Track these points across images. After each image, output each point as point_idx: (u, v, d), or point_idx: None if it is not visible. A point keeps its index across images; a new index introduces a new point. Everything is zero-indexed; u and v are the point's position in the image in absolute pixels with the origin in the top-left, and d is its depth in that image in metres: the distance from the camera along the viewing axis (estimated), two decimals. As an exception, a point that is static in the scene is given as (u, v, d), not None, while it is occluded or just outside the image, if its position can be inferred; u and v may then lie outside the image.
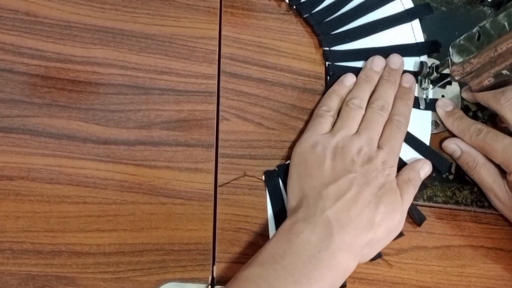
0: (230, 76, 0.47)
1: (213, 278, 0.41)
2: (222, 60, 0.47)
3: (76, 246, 0.39)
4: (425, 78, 0.49)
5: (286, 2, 0.51)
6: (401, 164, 0.46)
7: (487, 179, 0.46)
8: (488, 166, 0.46)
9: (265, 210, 0.43)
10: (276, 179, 0.44)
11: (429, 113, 0.50)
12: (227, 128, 0.45)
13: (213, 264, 0.41)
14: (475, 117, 0.50)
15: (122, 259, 0.40)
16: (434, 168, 0.47)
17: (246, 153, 0.45)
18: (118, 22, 0.47)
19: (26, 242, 0.39)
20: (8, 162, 0.41)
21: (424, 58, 0.51)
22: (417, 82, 0.49)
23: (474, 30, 0.42)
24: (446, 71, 0.47)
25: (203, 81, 0.46)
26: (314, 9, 0.51)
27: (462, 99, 0.51)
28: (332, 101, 0.46)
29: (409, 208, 0.44)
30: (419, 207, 0.46)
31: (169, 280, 0.40)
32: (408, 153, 0.47)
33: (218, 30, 0.48)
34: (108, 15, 0.47)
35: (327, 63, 0.49)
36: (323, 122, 0.45)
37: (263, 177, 0.44)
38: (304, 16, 0.50)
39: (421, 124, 0.49)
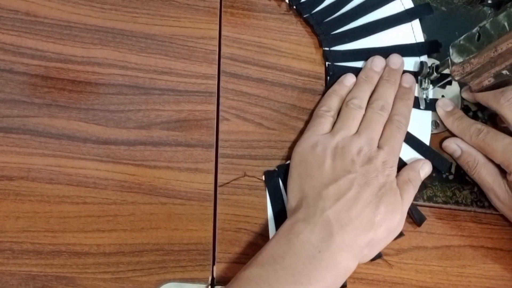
0: (230, 76, 0.47)
1: (213, 278, 0.41)
2: (222, 60, 0.47)
3: (76, 246, 0.39)
4: (425, 78, 0.49)
5: (286, 2, 0.51)
6: (401, 164, 0.46)
7: (487, 179, 0.46)
8: (488, 166, 0.46)
9: (265, 210, 0.43)
10: (276, 179, 0.44)
11: (429, 113, 0.50)
12: (227, 128, 0.45)
13: (213, 264, 0.41)
14: (475, 117, 0.50)
15: (122, 259, 0.40)
16: (434, 168, 0.47)
17: (246, 153, 0.45)
18: (118, 22, 0.47)
19: (26, 242, 0.39)
20: (8, 162, 0.41)
21: (424, 58, 0.51)
22: (417, 82, 0.49)
23: (474, 30, 0.42)
24: (446, 71, 0.47)
25: (203, 81, 0.46)
26: (314, 9, 0.51)
27: (462, 99, 0.51)
28: (332, 101, 0.46)
29: (409, 208, 0.44)
30: (419, 207, 0.46)
31: (169, 280, 0.40)
32: (408, 153, 0.47)
33: (218, 30, 0.48)
34: (108, 15, 0.47)
35: (327, 63, 0.49)
36: (323, 122, 0.45)
37: (263, 177, 0.44)
38: (304, 16, 0.50)
39: (421, 124, 0.49)
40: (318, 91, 0.49)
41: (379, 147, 0.44)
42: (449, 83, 0.49)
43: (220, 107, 0.46)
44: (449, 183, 0.48)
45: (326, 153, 0.42)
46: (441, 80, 0.48)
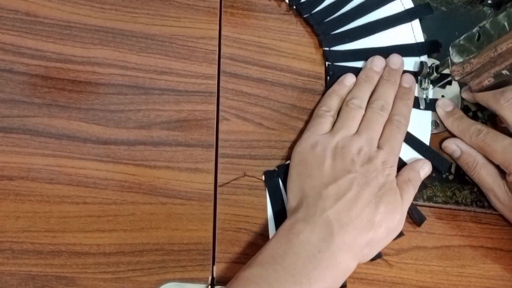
0: (230, 76, 0.47)
1: (213, 278, 0.41)
2: (222, 60, 0.47)
3: (76, 246, 0.39)
4: (425, 78, 0.49)
5: (286, 2, 0.51)
6: (401, 164, 0.46)
7: (487, 179, 0.46)
8: (488, 167, 0.46)
9: (265, 210, 0.43)
10: (276, 179, 0.44)
11: (429, 113, 0.50)
12: (227, 128, 0.45)
13: (213, 264, 0.41)
14: (475, 117, 0.50)
15: (122, 259, 0.40)
16: (434, 168, 0.47)
17: (246, 153, 0.45)
18: (118, 22, 0.47)
19: (26, 242, 0.39)
20: (8, 162, 0.41)
21: (424, 58, 0.51)
22: (417, 82, 0.49)
23: (474, 30, 0.42)
24: (446, 71, 0.47)
25: (203, 81, 0.46)
26: (314, 9, 0.51)
27: (462, 99, 0.51)
28: (332, 101, 0.46)
29: (409, 208, 0.44)
30: (419, 207, 0.46)
31: (169, 280, 0.40)
32: (408, 153, 0.47)
33: (218, 30, 0.48)
34: (108, 15, 0.47)
35: (327, 63, 0.49)
36: (323, 122, 0.45)
37: (263, 177, 0.44)
38: (304, 16, 0.50)
39: (421, 124, 0.49)
40: (318, 91, 0.49)
41: (379, 147, 0.44)
42: (449, 83, 0.49)
43: (220, 107, 0.46)
44: (449, 183, 0.48)
45: (326, 153, 0.42)
46: (441, 80, 0.48)
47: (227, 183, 0.44)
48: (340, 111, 0.46)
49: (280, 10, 0.51)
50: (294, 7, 0.50)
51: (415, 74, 0.49)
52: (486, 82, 0.44)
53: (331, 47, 0.50)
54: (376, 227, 0.40)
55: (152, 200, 0.42)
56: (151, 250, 0.40)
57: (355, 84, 0.47)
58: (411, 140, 0.48)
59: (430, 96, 0.50)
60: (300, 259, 0.37)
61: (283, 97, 0.48)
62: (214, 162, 0.44)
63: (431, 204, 0.47)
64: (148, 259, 0.40)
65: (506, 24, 0.39)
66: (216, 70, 0.47)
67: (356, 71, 0.48)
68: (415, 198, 0.45)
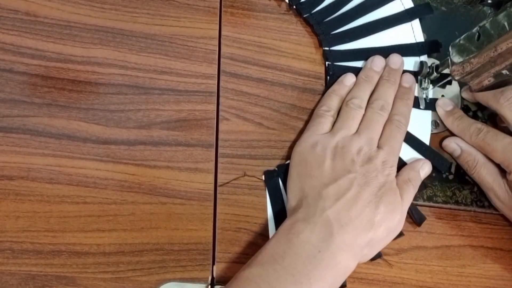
0: (230, 76, 0.47)
1: (213, 278, 0.41)
2: (222, 60, 0.47)
3: (76, 246, 0.39)
4: (425, 78, 0.49)
5: (286, 2, 0.51)
6: (401, 164, 0.46)
7: (487, 179, 0.46)
8: (488, 166, 0.46)
9: (265, 210, 0.43)
10: (276, 179, 0.44)
11: (429, 113, 0.50)
12: (227, 128, 0.45)
13: (213, 264, 0.41)
14: (475, 117, 0.50)
15: (122, 259, 0.40)
16: (434, 168, 0.47)
17: (246, 153, 0.45)
18: (118, 22, 0.47)
19: (26, 242, 0.39)
20: (8, 162, 0.41)
21: (424, 58, 0.51)
22: (417, 82, 0.49)
23: (474, 30, 0.42)
24: (446, 71, 0.47)
25: (203, 81, 0.46)
26: (314, 9, 0.51)
27: (462, 99, 0.51)
28: (332, 101, 0.46)
29: (409, 208, 0.44)
30: (419, 207, 0.46)
31: (169, 280, 0.40)
32: (408, 153, 0.47)
33: (218, 30, 0.48)
34: (108, 15, 0.47)
35: (327, 63, 0.49)
36: (323, 122, 0.45)
37: (263, 177, 0.44)
38: (304, 16, 0.50)
39: (421, 124, 0.49)
40: (318, 91, 0.49)
41: (379, 147, 0.44)
42: (449, 83, 0.50)
43: (220, 107, 0.46)
44: (449, 183, 0.48)
45: (326, 153, 0.42)
46: (441, 80, 0.48)
47: (227, 183, 0.44)
48: (340, 111, 0.46)
49: (280, 10, 0.51)
50: (294, 7, 0.50)
51: (415, 74, 0.49)
52: (486, 82, 0.44)
53: (331, 47, 0.50)
54: (376, 227, 0.40)
55: (152, 200, 0.42)
56: (151, 250, 0.40)
57: (355, 84, 0.47)
58: (411, 140, 0.47)
59: (430, 95, 0.50)
60: (300, 259, 0.37)
61: (283, 97, 0.48)
62: (214, 162, 0.44)
63: (431, 204, 0.47)
64: (148, 259, 0.40)
65: (506, 24, 0.39)
66: (216, 70, 0.47)
67: (356, 71, 0.48)
68: (415, 198, 0.45)
